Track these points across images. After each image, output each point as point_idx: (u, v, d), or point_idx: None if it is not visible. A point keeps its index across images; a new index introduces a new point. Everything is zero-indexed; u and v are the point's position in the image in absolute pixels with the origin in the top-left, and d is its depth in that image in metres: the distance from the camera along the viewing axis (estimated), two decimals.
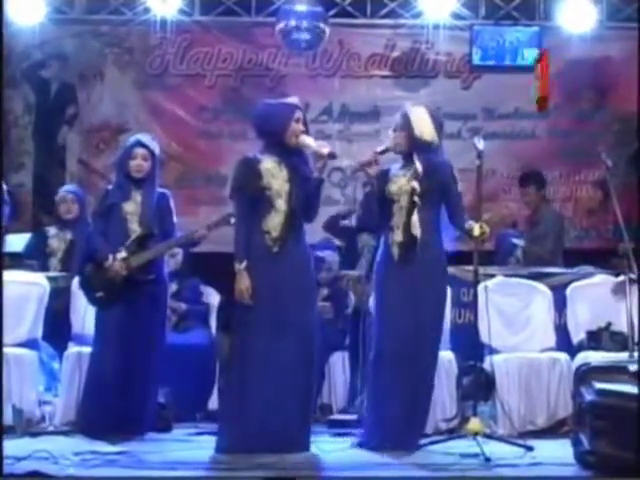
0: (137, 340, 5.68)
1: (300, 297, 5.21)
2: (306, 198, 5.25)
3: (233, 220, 5.65)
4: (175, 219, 5.96)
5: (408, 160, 5.47)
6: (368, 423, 5.40)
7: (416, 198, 5.34)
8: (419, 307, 5.32)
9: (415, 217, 5.34)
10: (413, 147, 5.42)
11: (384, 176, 5.47)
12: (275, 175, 5.27)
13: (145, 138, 5.97)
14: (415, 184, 5.35)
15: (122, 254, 5.73)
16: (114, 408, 5.62)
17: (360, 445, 5.32)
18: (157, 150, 5.93)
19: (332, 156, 5.20)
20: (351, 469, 4.76)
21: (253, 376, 5.15)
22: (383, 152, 5.48)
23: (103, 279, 5.73)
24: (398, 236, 5.39)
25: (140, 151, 5.83)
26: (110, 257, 5.71)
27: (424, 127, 5.41)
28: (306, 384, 5.21)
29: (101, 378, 5.70)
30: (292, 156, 5.29)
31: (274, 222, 5.24)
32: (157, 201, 5.89)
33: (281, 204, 5.25)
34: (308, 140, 5.25)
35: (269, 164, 5.27)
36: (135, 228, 5.81)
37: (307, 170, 5.29)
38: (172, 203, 5.99)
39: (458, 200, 5.49)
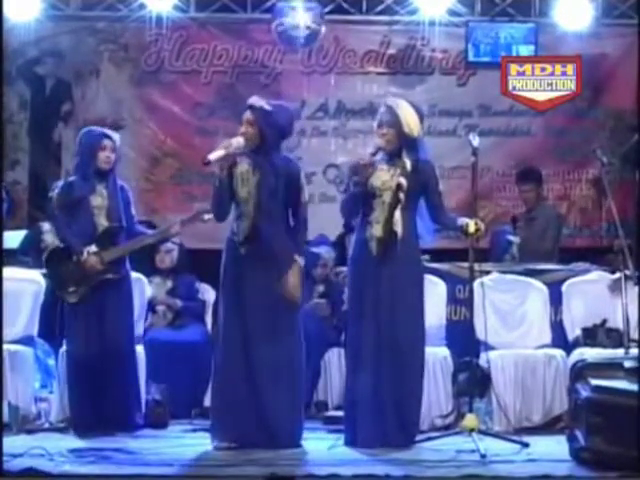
0: (108, 336, 5.71)
1: (269, 299, 5.23)
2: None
3: (207, 217, 5.68)
4: (134, 211, 5.97)
5: (394, 155, 5.41)
6: (348, 421, 5.38)
7: (401, 195, 5.30)
8: (398, 304, 5.31)
9: (398, 213, 5.31)
10: (402, 144, 5.38)
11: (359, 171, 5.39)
12: (245, 181, 5.30)
13: (108, 130, 6.03)
14: (402, 180, 5.31)
15: (93, 248, 5.73)
16: (95, 405, 5.66)
17: (346, 443, 5.32)
18: (118, 142, 5.94)
19: (205, 163, 5.23)
20: (346, 465, 4.75)
21: (227, 372, 5.26)
22: (376, 153, 5.41)
23: (76, 273, 5.73)
24: (378, 231, 5.36)
25: (109, 143, 5.85)
26: (85, 251, 5.70)
27: (412, 123, 5.37)
28: (285, 380, 5.23)
29: (79, 375, 5.73)
30: (264, 162, 5.29)
31: (241, 226, 5.29)
32: (121, 194, 5.90)
33: (248, 210, 5.28)
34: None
35: (243, 167, 5.32)
36: (103, 222, 5.81)
37: (279, 174, 5.27)
38: (131, 196, 6.00)
39: (440, 199, 5.48)
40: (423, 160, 5.42)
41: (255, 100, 5.35)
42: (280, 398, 5.21)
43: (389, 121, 5.37)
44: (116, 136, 5.96)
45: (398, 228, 5.30)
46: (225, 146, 5.24)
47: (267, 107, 5.31)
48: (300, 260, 5.32)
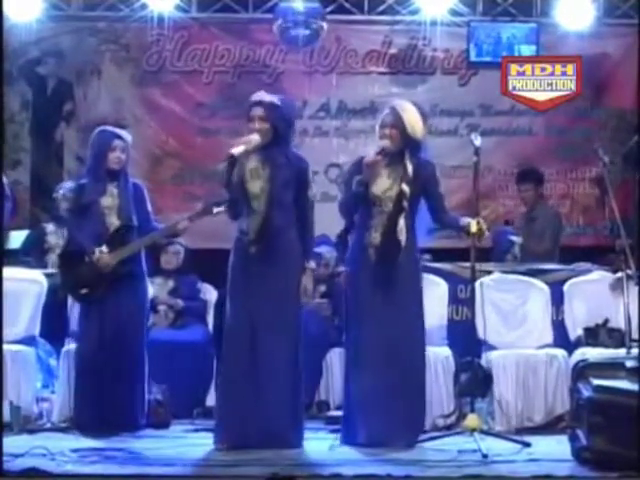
0: (122, 335, 5.69)
1: (278, 298, 5.22)
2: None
3: (215, 210, 5.66)
4: (150, 208, 5.96)
5: (395, 157, 5.37)
6: (348, 421, 5.37)
7: (405, 203, 5.27)
8: (398, 307, 5.30)
9: (402, 222, 5.27)
10: (405, 146, 5.35)
11: (361, 171, 5.35)
12: (255, 176, 5.26)
13: (119, 130, 6.01)
14: (405, 188, 5.26)
15: (104, 248, 5.72)
16: (102, 404, 5.63)
17: (344, 442, 5.32)
18: (129, 142, 5.93)
19: (231, 157, 5.14)
20: (347, 465, 4.75)
21: (232, 372, 5.22)
22: (381, 153, 5.36)
23: (88, 275, 5.72)
24: (376, 239, 5.34)
25: (119, 143, 5.84)
26: (97, 251, 5.70)
27: (415, 124, 5.34)
28: (288, 381, 5.22)
29: (88, 375, 5.70)
30: (276, 156, 5.27)
31: (251, 223, 5.25)
32: (132, 193, 5.89)
33: (259, 206, 5.24)
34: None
35: (253, 164, 5.27)
36: (114, 221, 5.80)
37: (287, 171, 5.26)
38: (146, 193, 5.98)
39: (441, 200, 5.46)
40: (424, 162, 5.41)
41: (263, 95, 5.32)
42: (284, 399, 5.20)
43: (392, 122, 5.34)
44: (127, 136, 5.94)
45: (402, 236, 5.28)
46: (245, 142, 5.20)
47: (277, 102, 5.30)
48: (311, 266, 5.33)
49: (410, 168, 5.31)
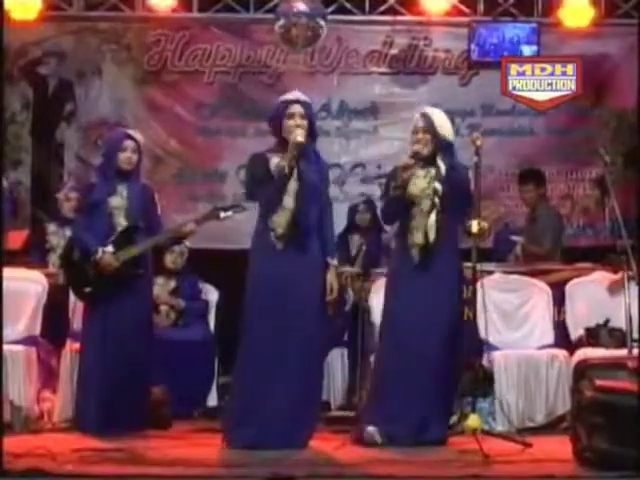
0: (126, 336, 5.68)
1: (302, 296, 5.20)
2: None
3: (222, 215, 5.67)
4: (159, 211, 5.96)
5: (428, 160, 5.43)
6: (372, 420, 5.36)
7: (436, 200, 5.34)
8: (437, 310, 5.33)
9: (432, 219, 5.33)
10: (438, 148, 5.42)
11: (396, 178, 5.42)
12: (290, 173, 5.26)
13: (132, 131, 6.02)
14: (438, 186, 5.35)
15: (109, 248, 5.73)
16: (107, 404, 5.62)
17: (357, 441, 5.31)
18: (142, 143, 5.94)
19: (299, 146, 5.17)
20: (348, 465, 4.75)
21: (254, 371, 5.18)
22: (414, 157, 5.41)
23: (92, 274, 5.72)
24: (419, 239, 5.39)
25: (130, 144, 5.84)
26: (100, 250, 5.70)
27: (446, 128, 5.45)
28: (306, 381, 5.20)
29: (93, 375, 5.69)
30: (308, 153, 5.29)
31: (280, 219, 5.24)
32: (142, 194, 5.89)
33: (289, 202, 5.25)
34: (293, 135, 5.21)
35: (277, 162, 5.27)
36: (121, 222, 5.80)
37: (315, 169, 5.30)
38: (156, 196, 5.98)
39: (472, 204, 5.50)
40: (457, 164, 5.48)
41: (299, 94, 5.37)
42: (305, 399, 5.18)
43: (424, 126, 5.43)
44: (139, 137, 5.94)
45: (431, 234, 5.33)
46: (301, 134, 5.22)
47: (309, 100, 5.38)
48: (335, 263, 5.33)
49: (443, 169, 5.38)
